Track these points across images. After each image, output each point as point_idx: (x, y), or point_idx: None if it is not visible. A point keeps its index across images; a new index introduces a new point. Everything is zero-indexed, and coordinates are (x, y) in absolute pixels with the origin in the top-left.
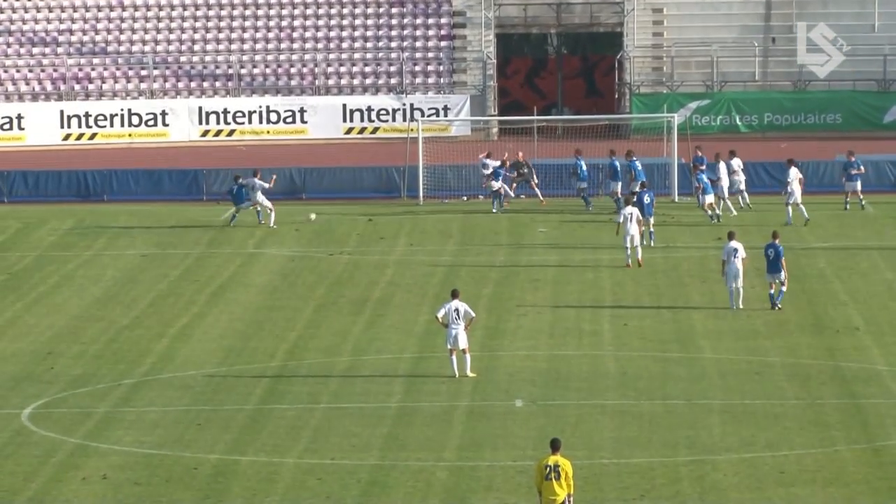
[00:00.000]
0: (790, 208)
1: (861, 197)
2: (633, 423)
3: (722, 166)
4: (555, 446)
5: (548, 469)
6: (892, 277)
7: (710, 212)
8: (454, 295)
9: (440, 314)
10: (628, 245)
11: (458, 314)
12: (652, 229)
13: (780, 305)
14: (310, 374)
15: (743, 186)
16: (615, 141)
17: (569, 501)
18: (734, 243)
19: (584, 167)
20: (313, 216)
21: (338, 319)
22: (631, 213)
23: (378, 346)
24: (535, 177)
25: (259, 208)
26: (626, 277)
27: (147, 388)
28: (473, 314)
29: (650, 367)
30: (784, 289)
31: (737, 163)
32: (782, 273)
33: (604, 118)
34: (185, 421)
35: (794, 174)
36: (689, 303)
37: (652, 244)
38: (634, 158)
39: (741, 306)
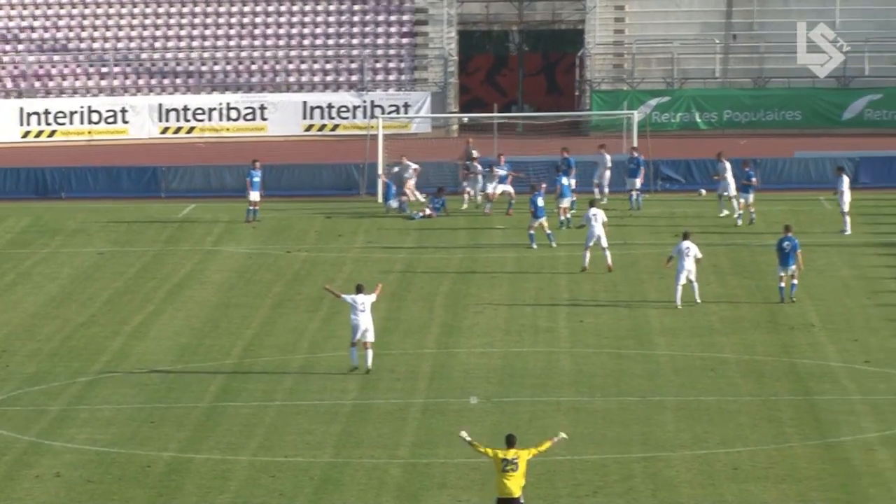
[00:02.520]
0: (724, 201)
1: (752, 210)
2: (587, 419)
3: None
4: (510, 443)
5: (505, 462)
6: (847, 274)
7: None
8: (359, 289)
9: (346, 297)
10: (590, 245)
11: (364, 307)
12: (549, 231)
13: (794, 298)
14: (265, 372)
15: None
16: (573, 138)
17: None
18: (687, 242)
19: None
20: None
21: (294, 317)
22: (595, 215)
23: (334, 344)
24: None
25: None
26: (583, 275)
27: (102, 385)
28: (374, 298)
29: (605, 364)
30: (795, 282)
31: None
32: (793, 266)
33: (564, 115)
34: (140, 418)
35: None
36: (645, 300)
37: (553, 244)
38: (604, 151)
39: (699, 301)
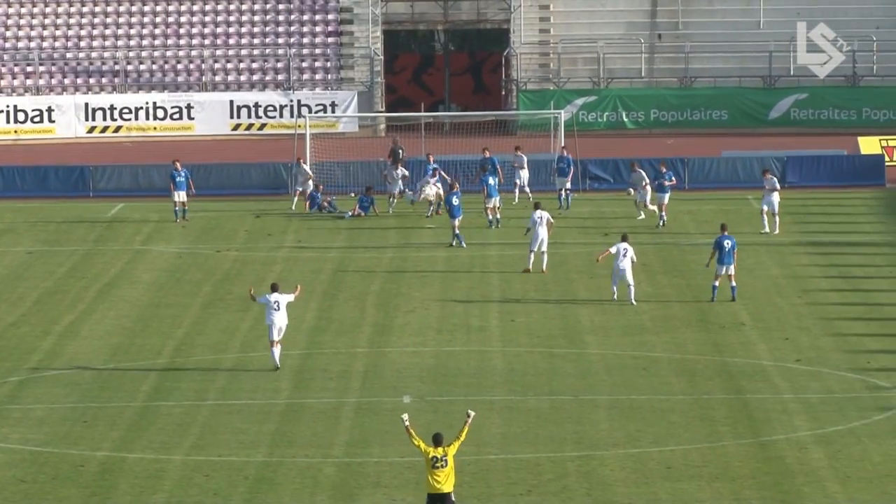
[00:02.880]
0: (640, 206)
1: (664, 214)
2: (520, 418)
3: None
4: (437, 441)
5: (435, 459)
6: (777, 273)
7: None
8: (274, 288)
9: (259, 299)
10: (535, 249)
11: (278, 305)
12: (458, 231)
13: (735, 299)
14: (197, 370)
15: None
16: (500, 138)
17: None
18: (625, 244)
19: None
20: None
21: (225, 316)
22: (541, 217)
23: (266, 343)
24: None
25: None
26: (514, 274)
27: (33, 385)
28: (291, 299)
29: (537, 363)
30: (735, 284)
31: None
32: (733, 265)
33: (491, 114)
34: (72, 418)
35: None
36: (576, 299)
37: (464, 245)
38: (520, 153)
39: (634, 303)
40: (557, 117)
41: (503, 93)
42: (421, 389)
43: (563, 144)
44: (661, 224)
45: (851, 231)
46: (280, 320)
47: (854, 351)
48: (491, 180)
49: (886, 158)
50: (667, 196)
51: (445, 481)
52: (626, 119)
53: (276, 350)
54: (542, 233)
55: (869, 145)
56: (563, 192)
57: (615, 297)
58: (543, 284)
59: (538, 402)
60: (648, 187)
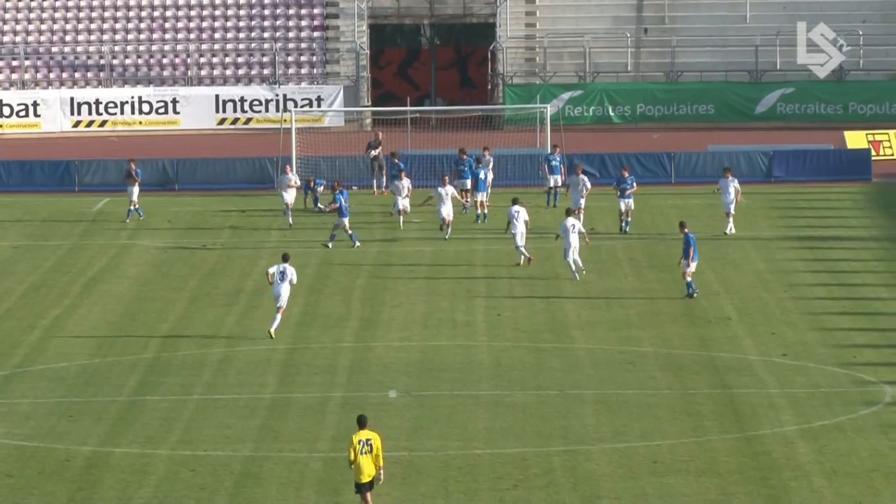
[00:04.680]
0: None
1: (629, 219)
2: (506, 413)
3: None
4: (361, 423)
5: (361, 444)
6: (763, 268)
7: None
8: (285, 258)
9: (270, 270)
10: (520, 243)
11: (283, 275)
12: (350, 231)
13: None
14: (183, 366)
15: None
16: (486, 132)
17: (380, 474)
18: (571, 219)
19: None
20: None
21: (211, 311)
22: (518, 212)
23: (252, 338)
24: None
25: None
26: (500, 268)
27: (19, 380)
28: (295, 281)
29: (524, 358)
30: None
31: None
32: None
33: (477, 109)
34: (58, 413)
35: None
36: (562, 293)
37: (356, 244)
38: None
39: (577, 277)
40: (543, 112)
41: (489, 87)
42: (407, 384)
43: (553, 143)
44: (624, 228)
45: (838, 225)
46: (284, 289)
47: (840, 345)
48: (482, 174)
49: (873, 152)
50: (630, 201)
51: (371, 468)
52: (612, 113)
53: (277, 317)
54: (521, 227)
55: (855, 139)
56: (553, 190)
57: (576, 276)
58: (529, 279)
59: (524, 396)
60: (585, 193)
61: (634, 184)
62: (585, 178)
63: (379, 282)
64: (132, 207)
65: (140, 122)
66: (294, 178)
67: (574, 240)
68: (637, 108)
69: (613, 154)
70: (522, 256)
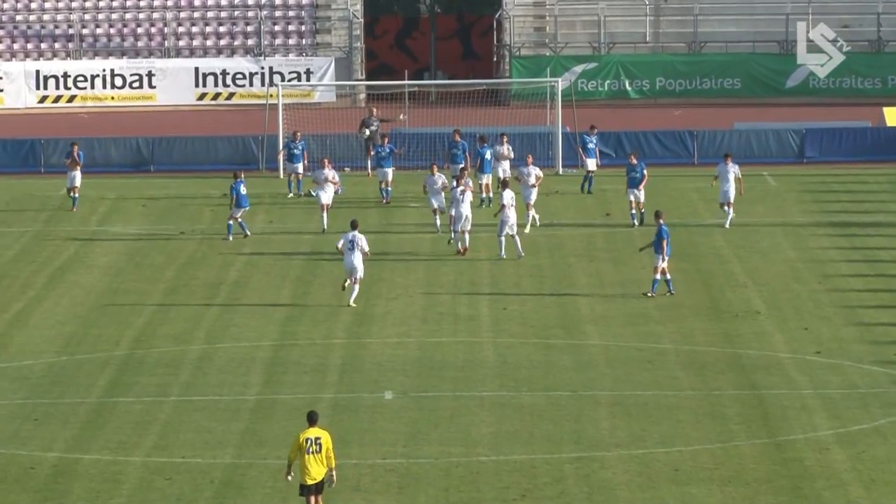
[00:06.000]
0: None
1: (643, 210)
2: (513, 416)
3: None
4: (311, 419)
5: (308, 442)
6: (794, 256)
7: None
8: (353, 225)
9: (339, 244)
10: (505, 233)
11: (352, 244)
12: (241, 220)
13: (673, 292)
14: (159, 364)
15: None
16: (491, 108)
17: (332, 476)
18: (510, 193)
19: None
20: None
21: (189, 304)
22: (512, 198)
23: (234, 333)
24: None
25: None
26: (507, 259)
27: None
28: (367, 249)
29: (532, 356)
30: (669, 276)
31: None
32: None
33: (481, 83)
34: (21, 416)
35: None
36: (574, 285)
37: (248, 233)
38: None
39: (522, 254)
40: (554, 86)
41: (494, 59)
42: (404, 384)
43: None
44: (634, 223)
45: (876, 210)
46: (356, 260)
47: (879, 342)
48: (488, 154)
49: None
50: (641, 193)
51: (320, 469)
52: (629, 88)
53: (355, 288)
54: (512, 215)
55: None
56: (588, 175)
57: (503, 254)
58: (538, 269)
59: (533, 397)
60: (534, 183)
61: (645, 172)
62: (537, 170)
63: (374, 272)
64: (74, 195)
65: (112, 98)
66: (332, 173)
67: (512, 214)
68: (656, 82)
69: (630, 132)
70: (502, 246)
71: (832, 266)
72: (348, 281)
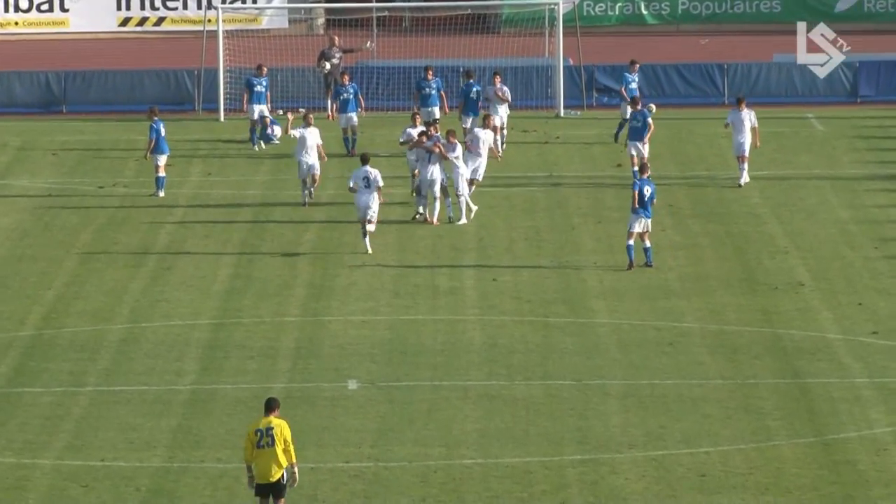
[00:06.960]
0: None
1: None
2: (504, 411)
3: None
4: (269, 406)
5: (259, 434)
6: (846, 217)
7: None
8: (364, 160)
9: (351, 183)
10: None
11: (367, 181)
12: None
13: (653, 264)
14: (73, 347)
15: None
16: (477, 36)
17: (293, 474)
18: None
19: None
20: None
21: (110, 274)
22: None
23: (164, 310)
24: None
25: None
26: (496, 218)
27: None
28: (381, 183)
29: (528, 337)
30: (649, 244)
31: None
32: (649, 220)
33: (465, 5)
34: None
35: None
36: (578, 251)
37: (160, 194)
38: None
39: (465, 221)
40: (554, 9)
41: None
42: (372, 372)
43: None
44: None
45: None
46: (366, 200)
47: None
48: (472, 93)
49: None
50: (645, 147)
51: (274, 465)
52: (645, 12)
53: (369, 230)
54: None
55: None
56: (624, 121)
57: (419, 214)
58: (535, 232)
59: (528, 388)
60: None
61: (649, 121)
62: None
63: (334, 235)
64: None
65: (16, 23)
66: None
67: (437, 172)
68: (679, 4)
69: (647, 66)
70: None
71: (892, 228)
72: (368, 224)
